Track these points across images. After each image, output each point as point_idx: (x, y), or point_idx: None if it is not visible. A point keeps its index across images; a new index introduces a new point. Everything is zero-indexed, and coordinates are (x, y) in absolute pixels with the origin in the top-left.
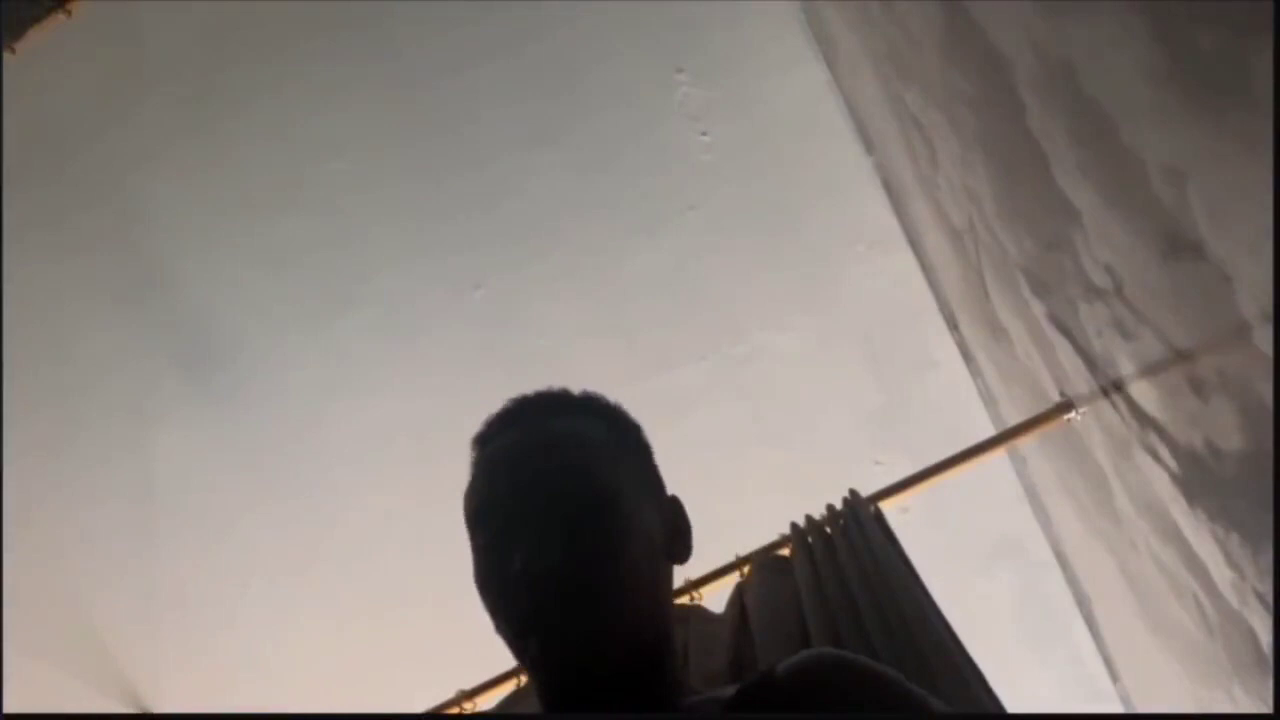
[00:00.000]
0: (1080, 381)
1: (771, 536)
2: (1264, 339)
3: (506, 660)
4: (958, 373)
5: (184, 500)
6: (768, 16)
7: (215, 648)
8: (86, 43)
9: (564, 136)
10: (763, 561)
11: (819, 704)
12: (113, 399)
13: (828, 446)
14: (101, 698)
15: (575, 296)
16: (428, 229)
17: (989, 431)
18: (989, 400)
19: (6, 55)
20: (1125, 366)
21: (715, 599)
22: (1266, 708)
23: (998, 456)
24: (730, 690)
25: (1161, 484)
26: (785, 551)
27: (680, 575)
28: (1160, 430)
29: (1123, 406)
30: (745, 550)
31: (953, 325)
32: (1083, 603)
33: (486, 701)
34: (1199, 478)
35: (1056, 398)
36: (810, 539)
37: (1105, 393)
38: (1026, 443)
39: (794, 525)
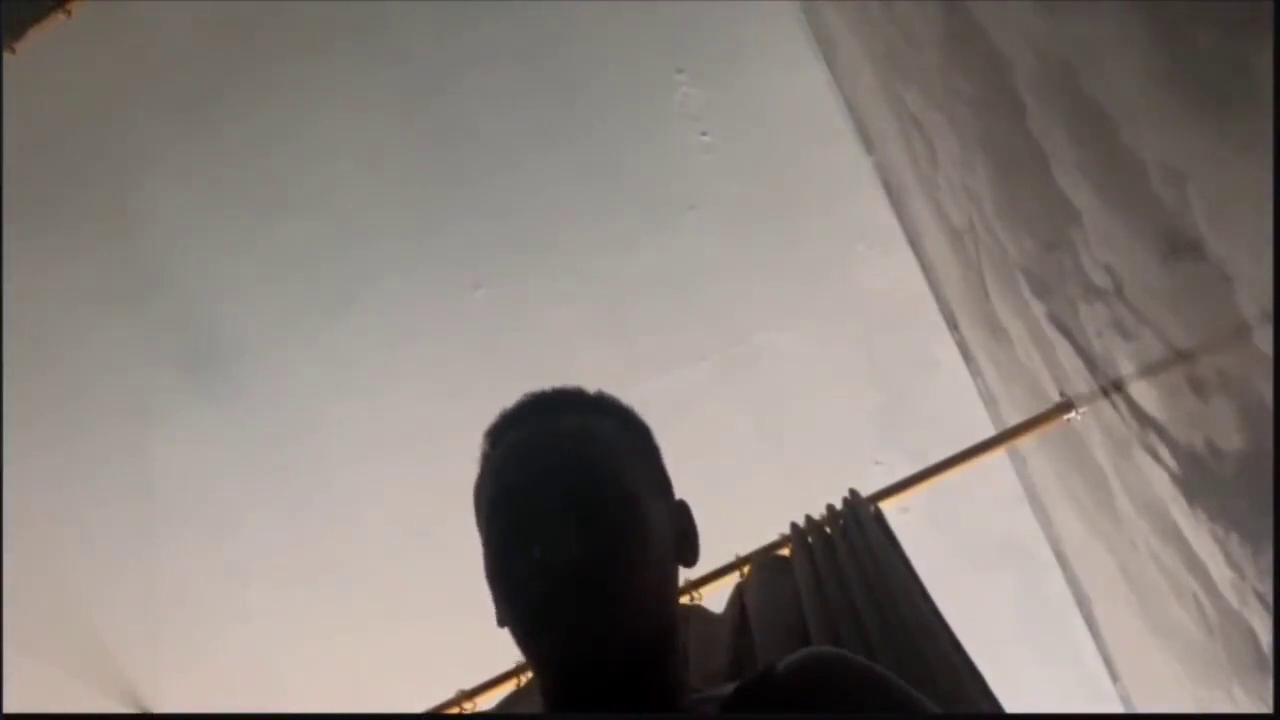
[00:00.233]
0: (1080, 381)
1: (771, 536)
2: (1264, 339)
3: (506, 660)
4: (958, 373)
5: (184, 500)
6: (768, 16)
7: (215, 648)
8: (86, 43)
9: (564, 137)
10: (763, 561)
11: (818, 703)
12: (113, 399)
13: (828, 446)
14: (101, 698)
15: (575, 297)
16: (428, 230)
17: (989, 431)
18: (989, 400)
19: (6, 55)
20: (1125, 366)
21: (715, 599)
22: (1266, 708)
23: (998, 456)
24: (729, 688)
25: (1161, 484)
26: (785, 551)
27: (681, 575)
28: (1160, 430)
29: (1123, 406)
30: (745, 550)
31: (953, 325)
32: (1083, 603)
33: (486, 701)
34: (1199, 478)
35: (1056, 398)
36: (810, 539)
37: (1105, 393)
38: (1026, 443)
39: (794, 525)
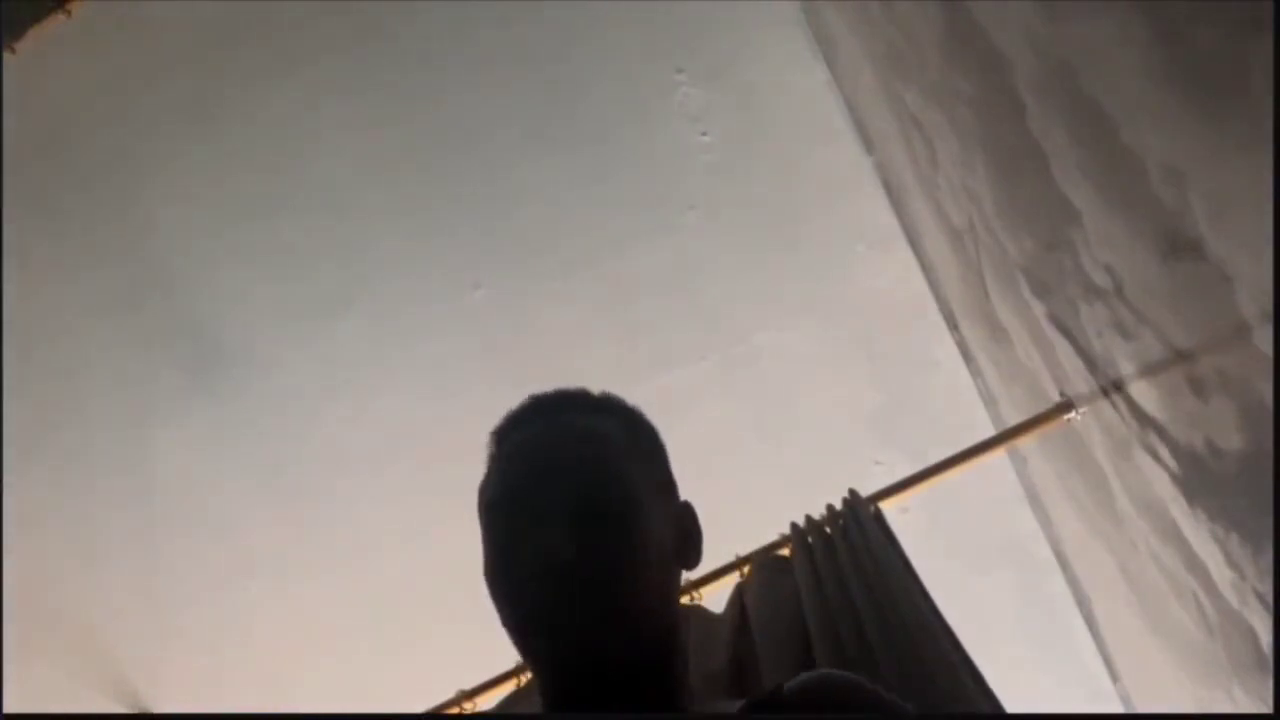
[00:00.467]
0: (1080, 381)
1: (771, 536)
2: (1264, 339)
3: (506, 660)
4: (958, 373)
5: (184, 501)
6: (768, 16)
7: (215, 648)
8: (86, 43)
9: (564, 137)
10: (763, 561)
11: None
12: (114, 400)
13: (828, 446)
14: (101, 698)
15: (575, 296)
16: (428, 230)
17: (989, 431)
18: (989, 400)
19: (6, 55)
20: (1125, 366)
21: (715, 599)
22: (1266, 708)
23: (998, 456)
24: (735, 705)
25: (1161, 484)
26: (785, 551)
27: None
28: (1160, 430)
29: (1123, 406)
30: (745, 550)
31: (953, 325)
32: (1083, 603)
33: (486, 701)
34: (1199, 478)
35: (1056, 398)
36: (810, 539)
37: (1105, 393)
38: (1026, 443)
39: (794, 525)
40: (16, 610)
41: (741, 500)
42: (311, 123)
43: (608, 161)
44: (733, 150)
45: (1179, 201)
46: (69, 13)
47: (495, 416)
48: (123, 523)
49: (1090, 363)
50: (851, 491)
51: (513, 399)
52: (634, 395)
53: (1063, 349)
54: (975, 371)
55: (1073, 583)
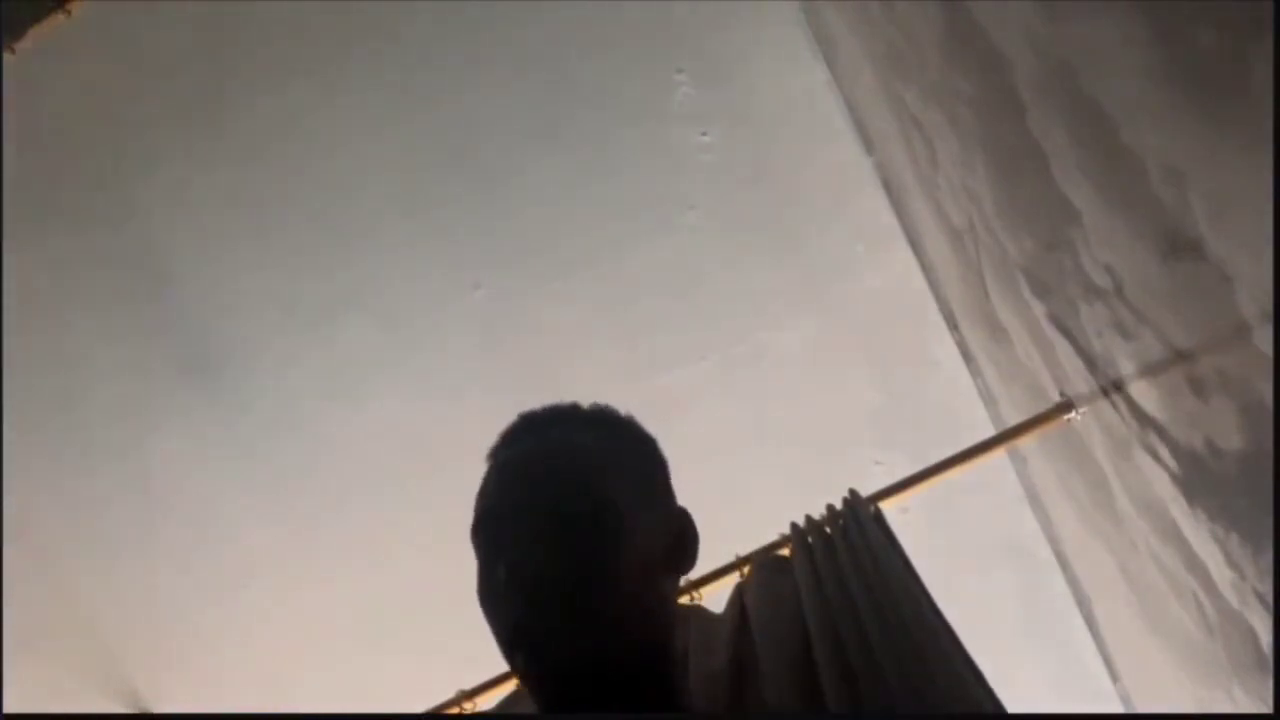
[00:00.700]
0: (1080, 381)
1: (771, 536)
2: (1264, 339)
3: None
4: (958, 373)
5: (183, 501)
6: (768, 16)
7: (215, 648)
8: (86, 43)
9: (564, 136)
10: (763, 561)
11: None
12: (112, 399)
13: (828, 447)
14: (101, 698)
15: (575, 296)
16: (428, 230)
17: (989, 431)
18: (989, 400)
19: (6, 55)
20: (1125, 366)
21: (715, 599)
22: (1266, 708)
23: (998, 456)
24: None
25: (1161, 484)
26: (785, 551)
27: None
28: (1160, 430)
29: (1123, 406)
30: (745, 550)
31: (953, 325)
32: (1083, 603)
33: (486, 701)
34: (1199, 478)
35: (1056, 398)
36: (810, 539)
37: (1105, 393)
38: (1026, 443)
39: (794, 525)
40: (16, 610)
41: (741, 500)
42: (312, 123)
43: (608, 161)
44: (733, 150)
45: (1179, 201)
46: (69, 13)
47: (495, 416)
48: (123, 523)
49: (1090, 363)
50: (851, 491)
51: (513, 399)
52: (634, 395)
53: (1063, 349)
54: (975, 371)
55: (1073, 583)
